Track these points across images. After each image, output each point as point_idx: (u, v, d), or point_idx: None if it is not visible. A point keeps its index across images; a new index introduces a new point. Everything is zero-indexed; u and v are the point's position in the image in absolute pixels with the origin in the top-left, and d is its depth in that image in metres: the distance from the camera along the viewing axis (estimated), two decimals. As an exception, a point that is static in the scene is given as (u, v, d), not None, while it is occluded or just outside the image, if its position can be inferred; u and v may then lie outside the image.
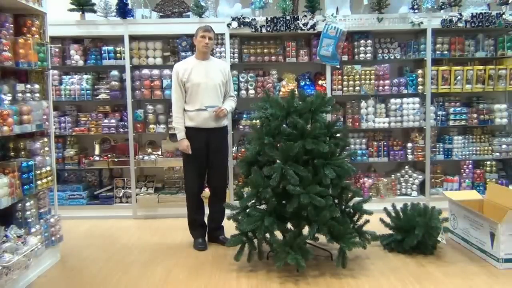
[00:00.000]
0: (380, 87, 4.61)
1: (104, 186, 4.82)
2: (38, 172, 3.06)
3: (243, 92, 4.58)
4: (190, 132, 3.52)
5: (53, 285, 2.99)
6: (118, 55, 4.53)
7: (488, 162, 4.70)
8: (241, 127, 4.61)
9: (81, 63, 4.56)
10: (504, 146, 4.67)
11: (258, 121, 3.27)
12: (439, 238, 3.24)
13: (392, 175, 4.76)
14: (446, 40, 4.60)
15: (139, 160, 4.60)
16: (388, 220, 3.50)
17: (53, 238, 3.26)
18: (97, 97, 4.59)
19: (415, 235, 3.22)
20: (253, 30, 4.42)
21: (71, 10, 4.46)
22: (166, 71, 4.53)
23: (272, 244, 3.04)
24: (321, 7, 4.54)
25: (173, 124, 3.59)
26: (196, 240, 3.63)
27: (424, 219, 3.26)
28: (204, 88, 3.48)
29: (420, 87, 4.60)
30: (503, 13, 4.47)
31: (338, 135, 3.20)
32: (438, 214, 3.35)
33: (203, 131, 3.51)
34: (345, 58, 4.58)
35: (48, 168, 3.20)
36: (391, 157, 4.70)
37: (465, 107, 4.67)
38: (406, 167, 4.75)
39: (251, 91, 4.58)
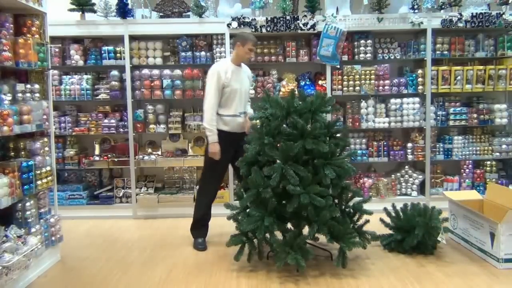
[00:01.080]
0: (380, 87, 4.61)
1: (104, 186, 4.82)
2: (38, 172, 3.06)
3: (243, 92, 4.58)
4: (222, 135, 3.49)
5: (53, 285, 2.99)
6: (118, 55, 4.54)
7: (488, 162, 4.70)
8: (241, 127, 4.60)
9: (81, 63, 4.56)
10: (504, 146, 4.67)
11: (258, 121, 3.26)
12: (439, 238, 3.24)
13: (392, 175, 4.76)
14: (446, 40, 4.60)
15: (139, 160, 4.60)
16: (388, 220, 3.50)
17: (53, 238, 3.26)
18: (97, 97, 4.59)
19: (415, 235, 3.22)
20: (253, 30, 4.42)
21: (71, 10, 4.46)
22: (166, 71, 4.53)
23: (272, 244, 3.04)
24: (321, 7, 4.54)
25: (205, 125, 3.46)
26: (196, 240, 3.64)
27: (424, 219, 3.26)
28: (240, 95, 3.52)
29: (420, 87, 4.60)
30: (503, 13, 4.47)
31: (338, 135, 3.20)
32: (438, 214, 3.34)
33: (235, 135, 3.54)
34: (345, 58, 4.58)
35: (48, 168, 3.20)
36: (391, 157, 4.69)
37: (465, 107, 4.67)
38: (406, 167, 4.75)
39: (251, 91, 4.57)
